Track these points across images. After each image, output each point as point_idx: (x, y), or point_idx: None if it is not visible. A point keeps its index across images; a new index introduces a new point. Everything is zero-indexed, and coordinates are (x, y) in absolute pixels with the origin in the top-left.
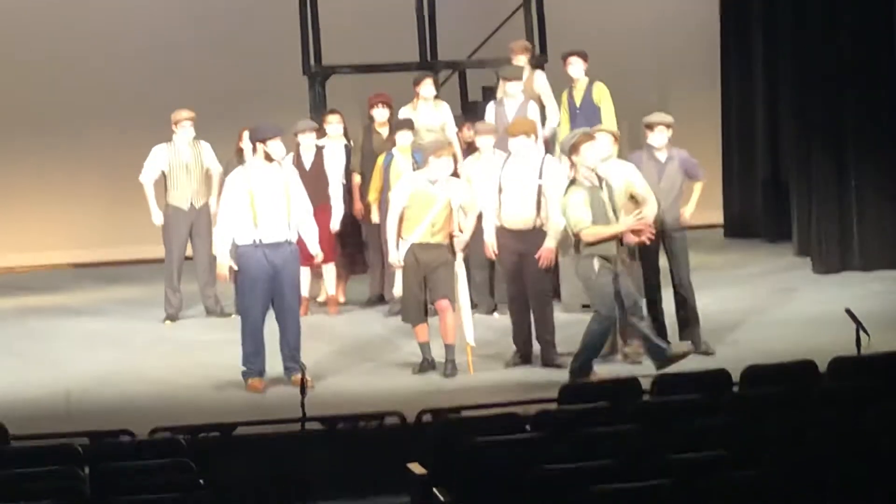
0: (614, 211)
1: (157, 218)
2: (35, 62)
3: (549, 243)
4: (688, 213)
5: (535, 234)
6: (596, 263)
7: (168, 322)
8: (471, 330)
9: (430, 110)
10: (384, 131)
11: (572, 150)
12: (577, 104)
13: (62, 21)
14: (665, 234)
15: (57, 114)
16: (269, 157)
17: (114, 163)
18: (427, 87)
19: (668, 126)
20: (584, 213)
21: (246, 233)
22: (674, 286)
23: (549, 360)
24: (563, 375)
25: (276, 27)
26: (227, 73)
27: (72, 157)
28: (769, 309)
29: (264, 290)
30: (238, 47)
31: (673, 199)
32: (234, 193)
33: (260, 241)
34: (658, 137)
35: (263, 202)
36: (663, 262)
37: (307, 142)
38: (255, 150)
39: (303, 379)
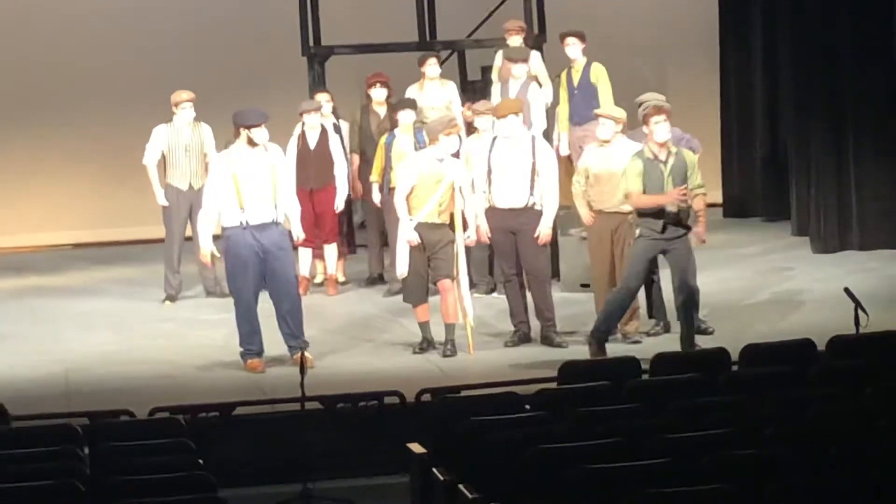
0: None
1: (162, 199)
2: (34, 43)
3: (547, 222)
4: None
5: (528, 213)
6: (636, 232)
7: (167, 302)
8: (470, 308)
9: (436, 89)
10: (382, 111)
11: (644, 120)
12: (575, 84)
13: (60, 6)
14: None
15: (56, 94)
16: (251, 142)
17: (114, 143)
18: (431, 66)
19: (667, 116)
20: (634, 182)
21: (232, 215)
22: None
23: (548, 340)
24: (562, 354)
25: (275, 8)
26: (226, 53)
27: (71, 137)
28: (768, 288)
29: (254, 271)
30: (237, 28)
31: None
32: (218, 178)
33: (247, 222)
34: (660, 132)
35: (248, 184)
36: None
37: (312, 122)
38: (237, 134)
39: (302, 358)
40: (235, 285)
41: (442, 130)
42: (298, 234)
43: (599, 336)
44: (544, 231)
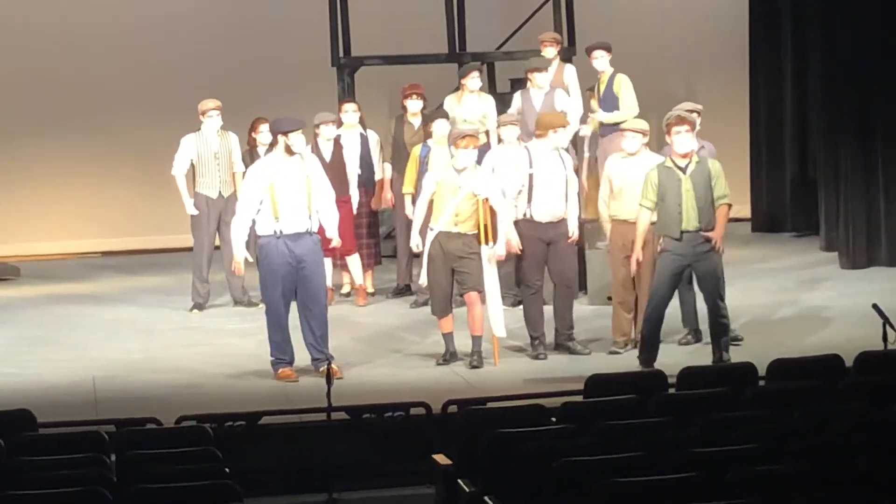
0: (697, 200)
1: (191, 208)
2: (66, 51)
3: (575, 222)
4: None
5: (564, 224)
6: (658, 247)
7: (195, 311)
8: (500, 321)
9: (474, 102)
10: (416, 122)
11: (666, 129)
12: (601, 95)
13: (94, 9)
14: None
15: (87, 103)
16: (289, 150)
17: (143, 152)
18: (474, 79)
19: (691, 127)
20: (647, 194)
21: (267, 224)
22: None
23: (568, 349)
24: (587, 364)
25: (305, 18)
26: (256, 63)
27: (102, 146)
28: (796, 303)
29: (287, 281)
30: (268, 38)
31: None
32: (254, 185)
33: (281, 231)
34: (681, 143)
35: (284, 194)
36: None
37: (328, 133)
38: (275, 142)
39: (329, 369)
40: (267, 295)
41: (453, 141)
42: (335, 239)
43: (647, 360)
44: (576, 231)
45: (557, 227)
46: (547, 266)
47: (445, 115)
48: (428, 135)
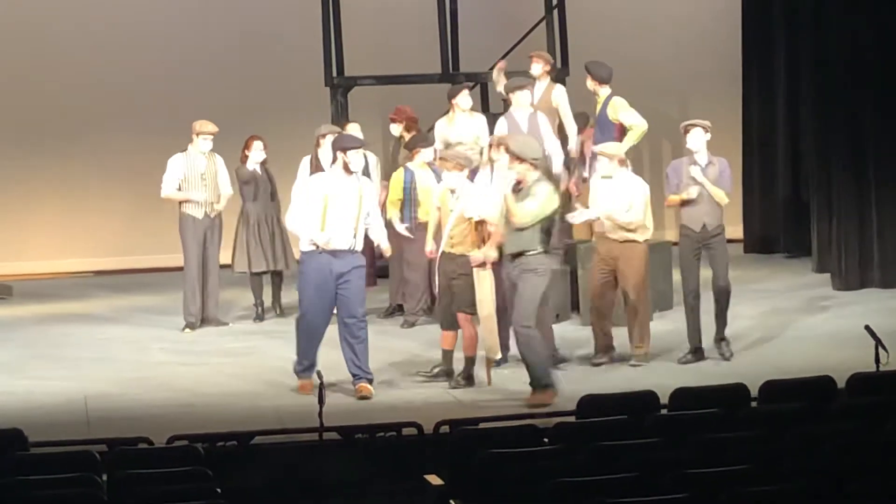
0: None
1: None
2: (57, 71)
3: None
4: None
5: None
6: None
7: (188, 330)
8: (496, 345)
9: (466, 122)
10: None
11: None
12: (595, 116)
13: (86, 30)
14: (704, 238)
15: (79, 122)
16: (347, 168)
17: (136, 171)
18: (464, 97)
19: (705, 129)
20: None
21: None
22: (713, 285)
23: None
24: (580, 388)
25: (298, 38)
26: (249, 83)
27: (94, 165)
28: (788, 324)
29: (322, 295)
30: (261, 58)
31: (712, 204)
32: (310, 197)
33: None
34: (693, 139)
35: (335, 209)
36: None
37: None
38: (335, 159)
39: (321, 389)
40: (302, 305)
41: (441, 165)
42: (386, 248)
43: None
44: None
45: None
46: None
47: (427, 142)
48: (410, 159)
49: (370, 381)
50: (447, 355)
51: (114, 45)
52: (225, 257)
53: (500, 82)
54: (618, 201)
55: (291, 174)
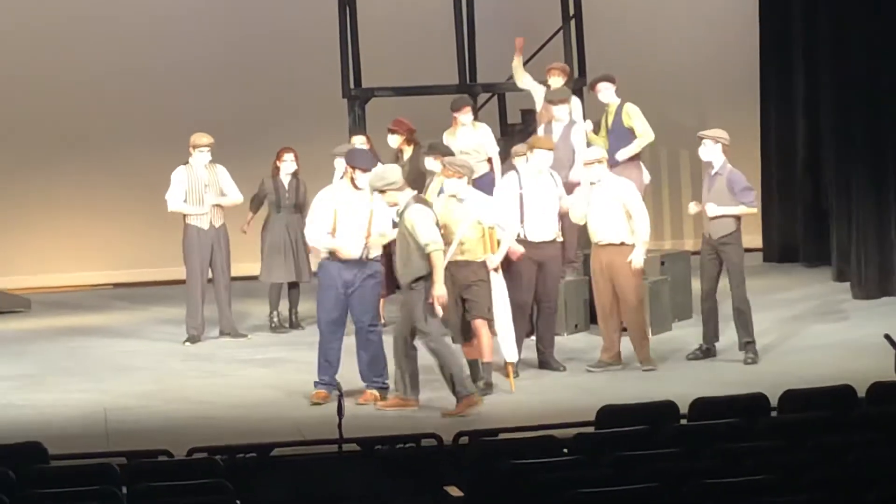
0: None
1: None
2: (75, 84)
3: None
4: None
5: (554, 245)
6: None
7: (188, 343)
8: (511, 346)
9: (468, 133)
10: (407, 155)
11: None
12: (609, 126)
13: (102, 45)
14: (717, 247)
15: (97, 136)
16: (354, 183)
17: (154, 184)
18: (466, 114)
19: (714, 140)
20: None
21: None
22: (731, 292)
23: (549, 364)
24: (600, 397)
25: (316, 50)
26: (267, 95)
27: (112, 178)
28: (808, 334)
29: (334, 304)
30: (278, 70)
31: (719, 214)
32: (320, 208)
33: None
34: (701, 152)
35: (344, 220)
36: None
37: (342, 164)
38: (346, 172)
39: (340, 400)
40: (318, 315)
41: (446, 171)
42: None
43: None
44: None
45: (547, 248)
46: (538, 287)
47: (439, 151)
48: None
49: (382, 389)
50: (472, 364)
51: (133, 59)
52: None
53: (520, 75)
54: (604, 205)
55: (310, 186)
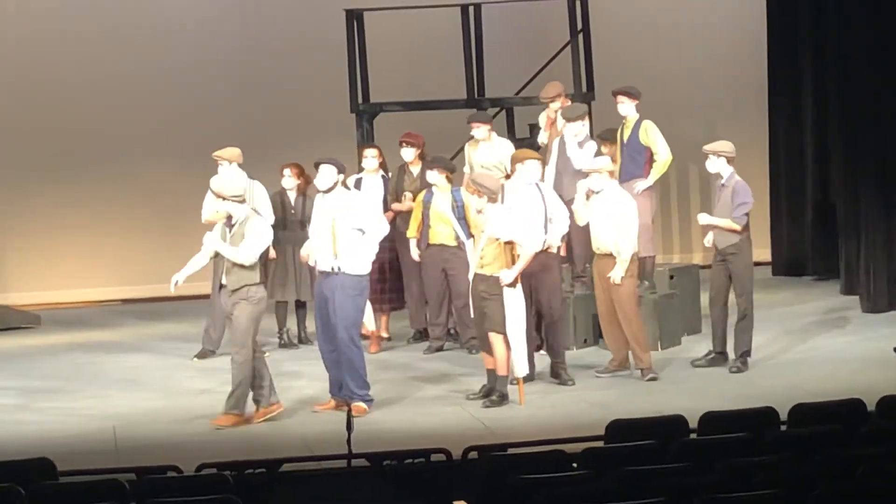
0: None
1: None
2: (86, 99)
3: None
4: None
5: (547, 256)
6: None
7: (195, 360)
8: (523, 360)
9: (488, 148)
10: (416, 170)
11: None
12: (625, 140)
13: (114, 58)
14: (724, 257)
15: (107, 151)
16: (316, 187)
17: (164, 200)
18: (478, 129)
19: (716, 154)
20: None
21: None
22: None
23: (559, 376)
24: (607, 412)
25: (324, 65)
26: (277, 110)
27: (122, 193)
28: (817, 347)
29: (318, 316)
30: (287, 85)
31: (707, 223)
32: (313, 215)
33: (316, 267)
34: (709, 164)
35: (314, 231)
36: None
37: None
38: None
39: (349, 416)
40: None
41: (469, 187)
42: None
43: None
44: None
45: (538, 258)
46: (537, 298)
47: (443, 164)
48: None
49: (354, 401)
50: (489, 374)
51: (144, 75)
52: None
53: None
54: (604, 216)
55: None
